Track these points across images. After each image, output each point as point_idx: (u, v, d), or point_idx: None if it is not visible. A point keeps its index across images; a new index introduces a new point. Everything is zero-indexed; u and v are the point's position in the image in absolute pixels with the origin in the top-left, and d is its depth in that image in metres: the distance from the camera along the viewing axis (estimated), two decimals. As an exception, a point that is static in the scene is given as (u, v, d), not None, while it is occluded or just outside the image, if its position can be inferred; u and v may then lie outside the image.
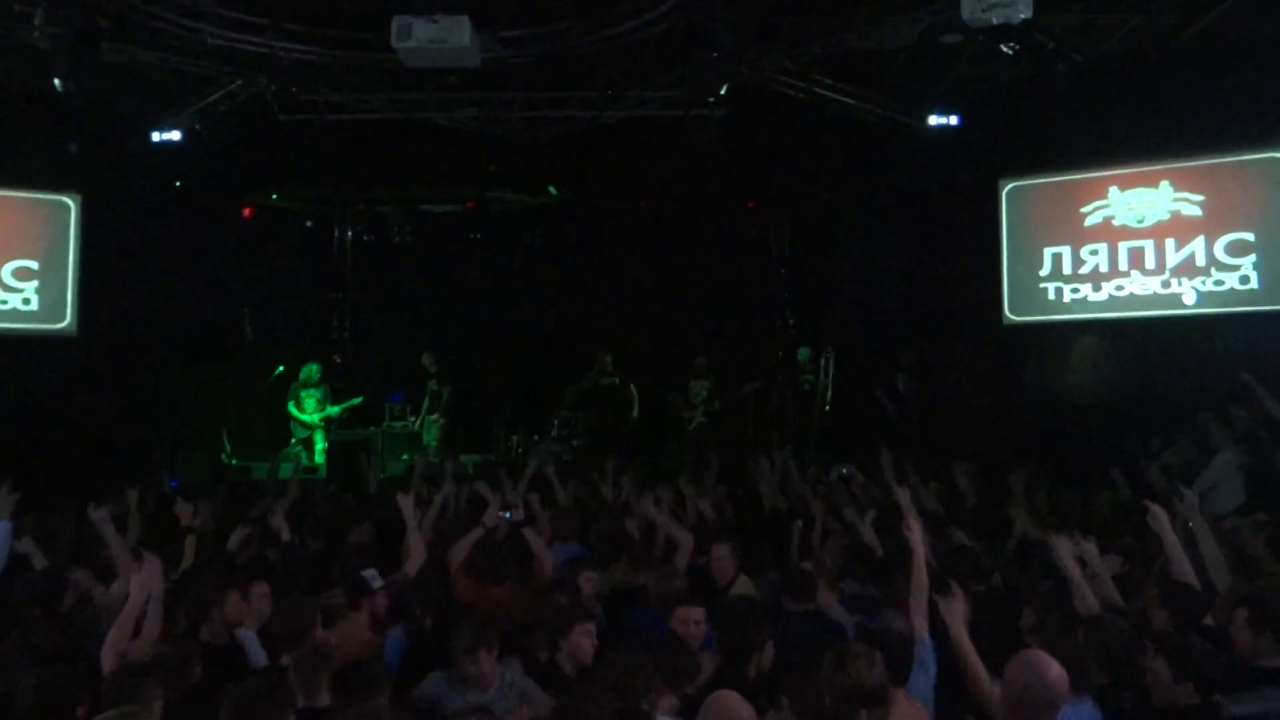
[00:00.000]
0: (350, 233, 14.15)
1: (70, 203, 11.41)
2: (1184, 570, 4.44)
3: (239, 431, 12.00)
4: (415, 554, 5.29)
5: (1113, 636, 3.94)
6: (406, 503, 5.54)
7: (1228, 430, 8.53)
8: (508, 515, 6.14)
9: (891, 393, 11.76)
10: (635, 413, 12.32)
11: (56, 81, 8.42)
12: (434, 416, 12.39)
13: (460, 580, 5.42)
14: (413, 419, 12.97)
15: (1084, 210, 11.09)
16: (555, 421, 12.53)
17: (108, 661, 3.92)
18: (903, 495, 5.32)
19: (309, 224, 13.95)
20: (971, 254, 11.73)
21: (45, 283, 11.38)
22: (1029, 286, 11.37)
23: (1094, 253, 11.05)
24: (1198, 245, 10.48)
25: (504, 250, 13.61)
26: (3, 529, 5.62)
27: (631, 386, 12.39)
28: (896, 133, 11.08)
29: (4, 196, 11.36)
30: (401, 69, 9.05)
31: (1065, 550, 4.48)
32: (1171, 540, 4.54)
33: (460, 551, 5.51)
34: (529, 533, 5.74)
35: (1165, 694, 3.56)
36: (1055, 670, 3.29)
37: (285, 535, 6.33)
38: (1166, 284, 10.64)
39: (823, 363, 12.14)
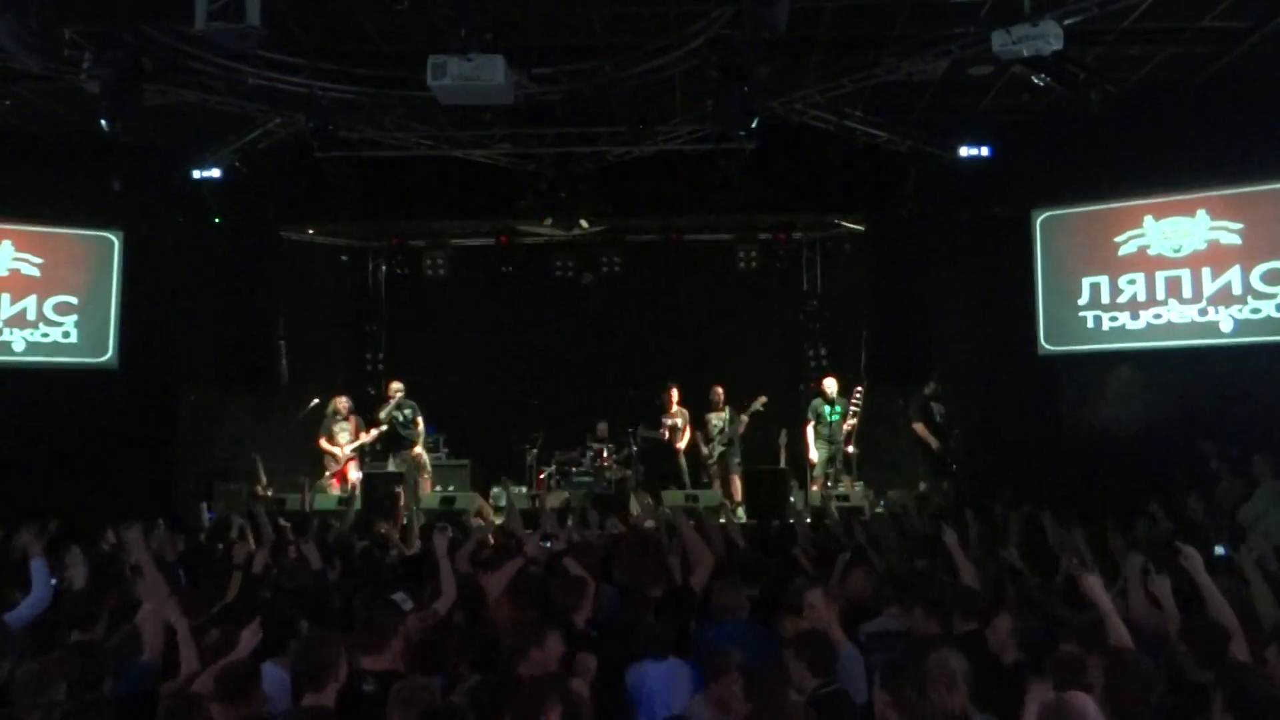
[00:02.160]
0: (384, 266, 14.34)
1: (113, 239, 11.74)
2: (1220, 608, 4.34)
3: (275, 463, 12.07)
4: (447, 593, 5.17)
5: (1134, 673, 3.85)
6: (441, 540, 5.46)
7: (1271, 462, 8.41)
8: (548, 545, 6.14)
9: (928, 421, 11.67)
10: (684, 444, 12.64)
11: (104, 122, 8.65)
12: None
13: (500, 609, 5.38)
14: (445, 450, 13.09)
15: (1118, 240, 11.06)
16: (588, 454, 12.57)
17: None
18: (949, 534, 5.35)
19: (344, 258, 14.18)
20: (1005, 284, 11.71)
21: (87, 317, 11.67)
22: (1064, 316, 11.33)
23: (1130, 282, 11.01)
24: (1234, 274, 10.42)
25: (535, 283, 13.70)
26: (37, 565, 5.66)
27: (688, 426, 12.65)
28: (927, 164, 11.09)
29: (50, 233, 11.68)
30: (436, 106, 9.21)
31: (1096, 586, 4.40)
32: (1205, 581, 4.45)
33: (499, 581, 5.48)
34: (570, 562, 5.74)
35: None
36: (1092, 711, 3.23)
37: (315, 563, 6.34)
38: (1204, 312, 10.57)
39: (853, 397, 12.07)
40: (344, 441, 12.18)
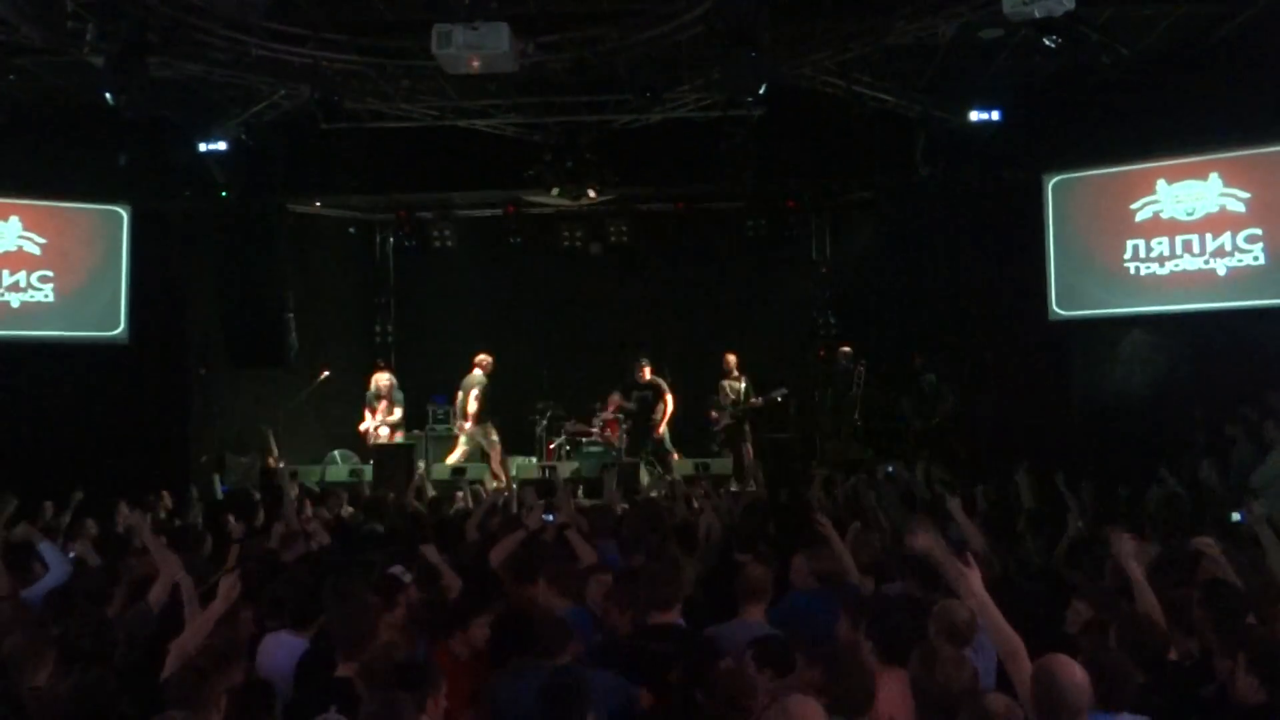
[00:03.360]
0: (391, 238, 14.31)
1: (122, 213, 11.77)
2: (1149, 605, 4.18)
3: (286, 436, 12.15)
4: (452, 587, 4.99)
5: (1149, 635, 3.89)
6: (432, 552, 5.21)
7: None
8: (550, 518, 6.13)
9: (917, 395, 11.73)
10: (658, 416, 12.37)
11: (109, 96, 8.65)
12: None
13: (503, 579, 5.32)
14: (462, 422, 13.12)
15: (1134, 206, 11.02)
16: (597, 424, 12.59)
17: (170, 663, 3.92)
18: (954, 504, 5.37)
19: (351, 230, 14.17)
20: (1016, 249, 11.63)
21: (97, 291, 11.75)
22: (1076, 281, 11.31)
23: (1144, 245, 10.98)
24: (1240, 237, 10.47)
25: (543, 254, 13.73)
26: (45, 548, 5.71)
27: (666, 394, 12.39)
28: (937, 129, 11.01)
29: (58, 208, 11.74)
30: (442, 76, 9.19)
31: (1126, 549, 4.37)
32: (1135, 573, 4.27)
33: (502, 552, 5.52)
34: (573, 534, 5.77)
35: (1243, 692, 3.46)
36: (1079, 675, 3.19)
37: (322, 540, 6.38)
38: (1208, 263, 10.63)
39: (857, 373, 12.03)
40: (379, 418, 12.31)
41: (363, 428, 12.43)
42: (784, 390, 12.16)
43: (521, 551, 5.44)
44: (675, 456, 12.13)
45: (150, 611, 4.68)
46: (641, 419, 12.43)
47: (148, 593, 4.78)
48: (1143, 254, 10.99)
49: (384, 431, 12.32)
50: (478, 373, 12.42)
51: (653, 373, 12.61)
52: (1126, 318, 11.14)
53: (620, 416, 12.54)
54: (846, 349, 12.33)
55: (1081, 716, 3.13)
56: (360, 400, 12.62)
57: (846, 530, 6.10)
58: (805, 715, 2.95)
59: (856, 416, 12.00)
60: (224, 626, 4.19)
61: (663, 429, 12.45)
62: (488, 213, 13.64)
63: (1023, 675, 3.37)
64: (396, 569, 5.01)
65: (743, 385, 12.34)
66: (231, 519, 7.28)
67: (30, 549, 5.79)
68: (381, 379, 12.52)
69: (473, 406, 12.20)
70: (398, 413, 12.47)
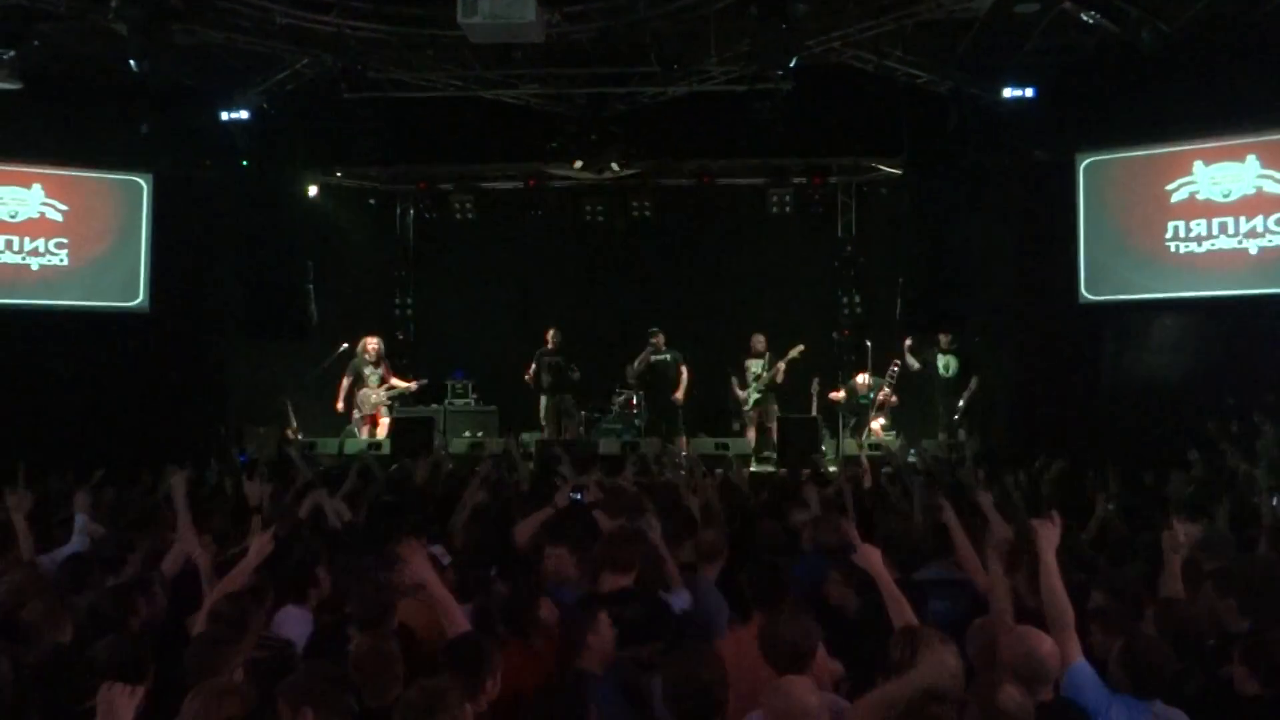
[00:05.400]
0: (412, 210, 14.33)
1: (142, 182, 11.86)
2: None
3: (304, 407, 12.23)
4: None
5: (1186, 621, 3.88)
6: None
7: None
8: (579, 496, 6.09)
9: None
10: (680, 392, 12.24)
11: (132, 63, 8.67)
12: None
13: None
14: (475, 396, 13.23)
15: (1169, 188, 10.92)
16: (617, 400, 12.59)
17: (199, 625, 3.97)
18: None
19: (372, 202, 14.16)
20: (1046, 231, 11.58)
21: (118, 261, 11.84)
22: (1107, 264, 11.23)
23: (1180, 227, 10.89)
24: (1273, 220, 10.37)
25: (564, 227, 13.72)
26: (80, 521, 5.79)
27: (682, 366, 12.28)
28: (969, 106, 10.89)
29: (79, 177, 11.82)
30: (466, 46, 9.16)
31: (1170, 540, 4.40)
32: (1049, 561, 4.27)
33: (527, 530, 5.52)
34: (600, 514, 5.69)
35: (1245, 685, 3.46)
36: (1047, 646, 3.32)
37: (344, 515, 6.40)
38: (1240, 243, 10.54)
39: (889, 372, 11.94)
40: (374, 384, 12.25)
41: (376, 397, 12.30)
42: (800, 347, 12.04)
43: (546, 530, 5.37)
44: (683, 439, 12.03)
45: (163, 579, 4.70)
46: (662, 390, 12.32)
47: (162, 562, 4.86)
48: (1181, 235, 10.89)
49: (375, 400, 12.23)
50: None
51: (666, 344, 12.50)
52: (1158, 302, 11.07)
53: (638, 393, 12.55)
54: (863, 376, 12.21)
55: (1048, 683, 3.30)
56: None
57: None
58: (801, 696, 3.00)
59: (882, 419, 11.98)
60: (246, 595, 4.17)
61: (680, 395, 12.32)
62: (509, 185, 13.65)
63: (1068, 649, 3.43)
64: (435, 549, 4.97)
65: (764, 362, 12.28)
66: (251, 485, 7.27)
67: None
68: (370, 343, 12.35)
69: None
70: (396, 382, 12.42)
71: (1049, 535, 3.77)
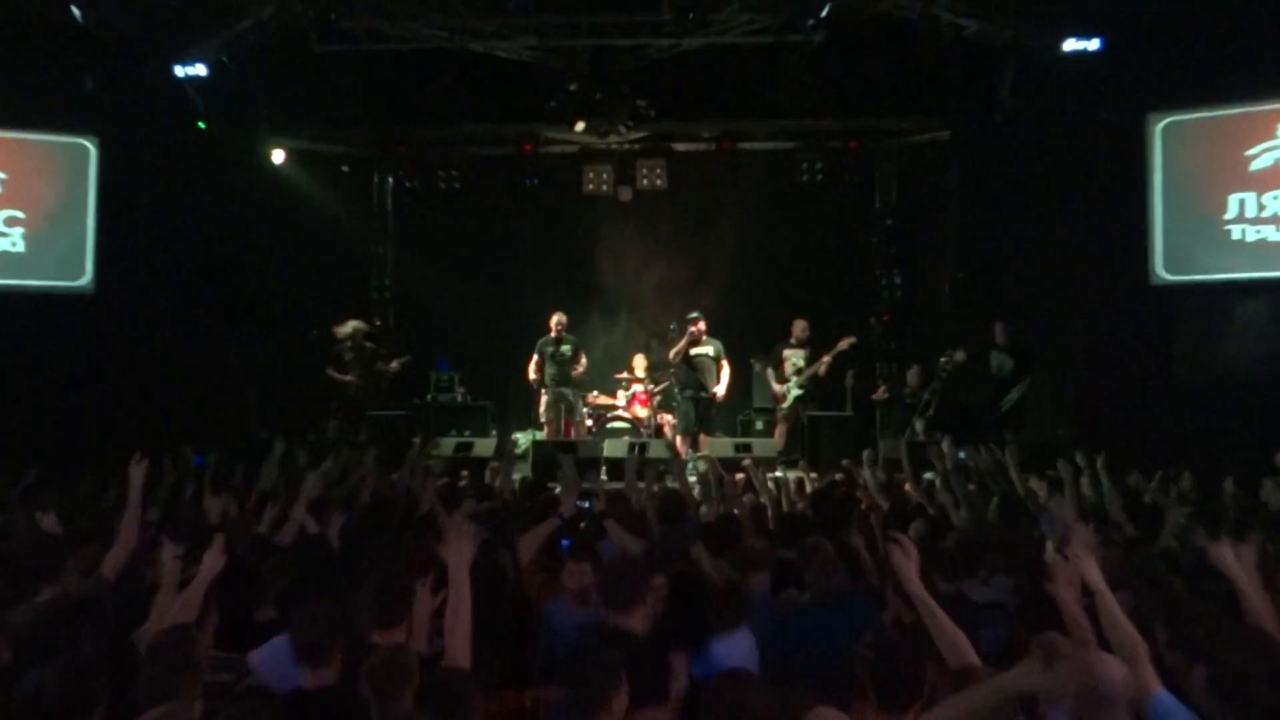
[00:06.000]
0: (391, 179, 14.36)
1: (89, 145, 11.88)
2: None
3: (269, 400, 12.31)
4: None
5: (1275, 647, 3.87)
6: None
7: None
8: (587, 505, 6.11)
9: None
10: (722, 387, 12.13)
11: (75, 10, 8.74)
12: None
13: (531, 578, 5.41)
14: (461, 390, 13.28)
15: (1250, 153, 10.95)
16: (625, 394, 12.67)
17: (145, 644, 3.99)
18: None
19: (345, 169, 14.17)
20: (1115, 202, 11.58)
21: (60, 235, 11.87)
22: (1184, 240, 11.28)
23: (1264, 200, 10.92)
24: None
25: (564, 199, 13.74)
26: None
27: (723, 360, 12.14)
28: (1026, 60, 10.97)
29: (18, 139, 11.85)
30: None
31: (1229, 558, 4.41)
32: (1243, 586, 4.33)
33: (531, 544, 5.44)
34: (611, 524, 5.70)
35: None
36: (1119, 671, 3.39)
37: (310, 528, 6.25)
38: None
39: (941, 370, 11.97)
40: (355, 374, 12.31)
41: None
42: (851, 339, 12.00)
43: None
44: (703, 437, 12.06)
45: (106, 582, 4.79)
46: (695, 387, 12.07)
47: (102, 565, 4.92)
48: (1269, 208, 10.93)
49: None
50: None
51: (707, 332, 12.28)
52: (1242, 284, 11.10)
53: (649, 387, 12.57)
54: (915, 371, 12.30)
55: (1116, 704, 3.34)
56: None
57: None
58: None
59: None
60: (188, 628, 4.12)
61: (722, 391, 12.18)
62: (502, 151, 13.68)
63: (1144, 681, 3.50)
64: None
65: (805, 353, 12.19)
66: (211, 498, 7.28)
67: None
68: (347, 327, 12.36)
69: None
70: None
71: (1089, 562, 3.82)
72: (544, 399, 12.49)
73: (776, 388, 12.29)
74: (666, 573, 4.56)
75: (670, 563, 4.79)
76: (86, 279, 11.89)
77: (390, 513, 6.95)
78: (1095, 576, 3.80)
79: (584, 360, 12.45)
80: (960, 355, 11.91)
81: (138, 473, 5.50)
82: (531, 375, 12.49)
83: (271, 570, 4.93)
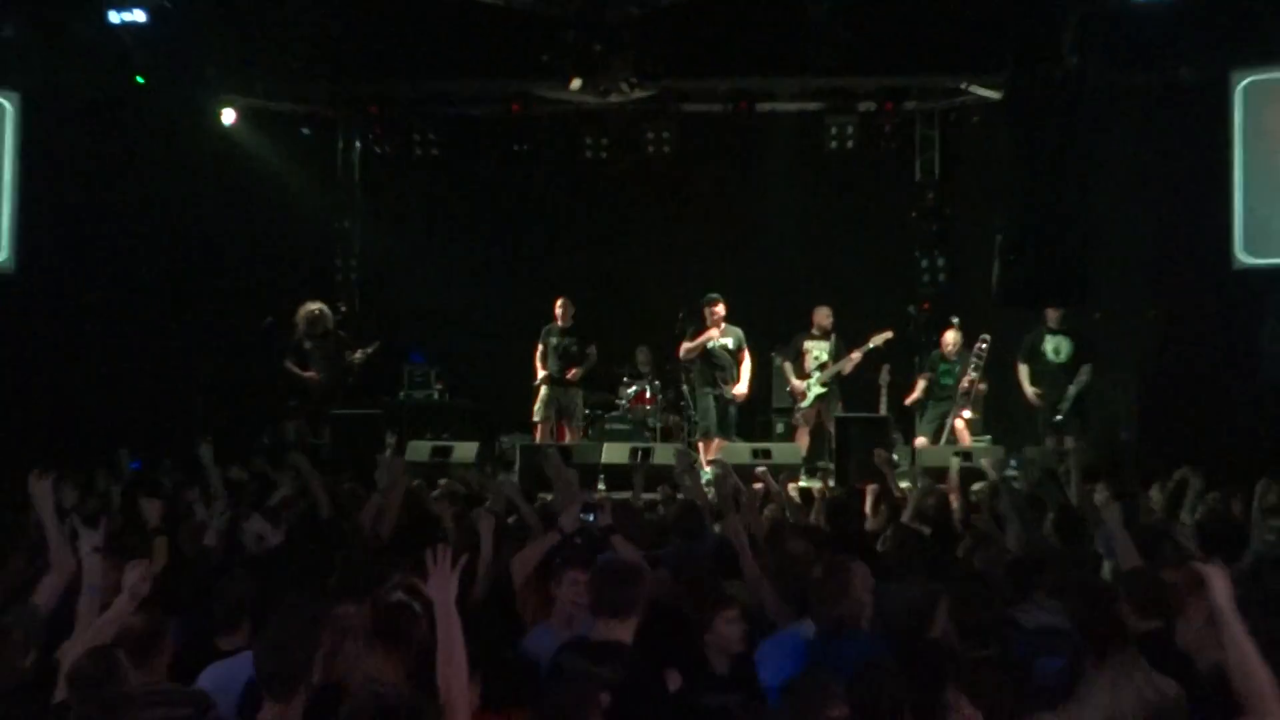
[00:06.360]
0: (359, 143, 14.24)
1: (6, 104, 11.67)
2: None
3: (215, 396, 12.23)
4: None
5: None
6: (487, 527, 5.58)
7: None
8: (591, 518, 6.12)
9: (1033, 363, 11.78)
10: (743, 385, 12.01)
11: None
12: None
13: (527, 598, 5.41)
14: (438, 386, 13.09)
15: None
16: (626, 394, 12.62)
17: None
18: None
19: (306, 131, 14.08)
20: (1192, 173, 11.47)
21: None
22: (1272, 217, 11.13)
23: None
24: None
25: (558, 166, 13.76)
26: None
27: (744, 351, 11.99)
28: (1091, 10, 10.79)
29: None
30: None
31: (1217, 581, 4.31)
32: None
33: (527, 563, 5.45)
34: (618, 539, 5.69)
35: None
36: None
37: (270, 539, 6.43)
38: None
39: (976, 348, 11.93)
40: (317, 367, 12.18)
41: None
42: (888, 335, 11.98)
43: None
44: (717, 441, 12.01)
45: (38, 614, 4.72)
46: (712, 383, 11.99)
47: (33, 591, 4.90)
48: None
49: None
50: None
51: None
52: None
53: (653, 384, 12.58)
54: (952, 333, 12.18)
55: None
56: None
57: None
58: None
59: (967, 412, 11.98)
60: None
61: (743, 389, 12.08)
62: (486, 111, 13.65)
63: None
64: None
65: (829, 345, 12.12)
66: (149, 503, 7.20)
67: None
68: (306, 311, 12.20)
69: None
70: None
71: (1221, 582, 3.77)
72: (542, 395, 12.34)
73: (796, 383, 12.26)
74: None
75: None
76: (3, 255, 11.69)
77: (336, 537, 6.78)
78: (1226, 603, 3.77)
79: (593, 355, 12.32)
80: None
81: (42, 490, 5.34)
82: (539, 369, 12.36)
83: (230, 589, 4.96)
